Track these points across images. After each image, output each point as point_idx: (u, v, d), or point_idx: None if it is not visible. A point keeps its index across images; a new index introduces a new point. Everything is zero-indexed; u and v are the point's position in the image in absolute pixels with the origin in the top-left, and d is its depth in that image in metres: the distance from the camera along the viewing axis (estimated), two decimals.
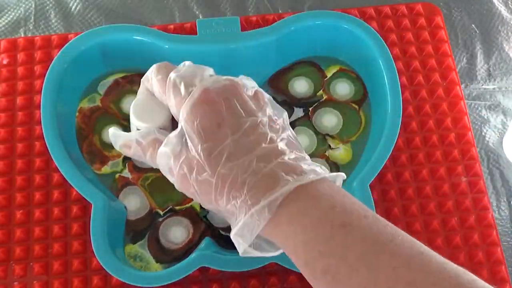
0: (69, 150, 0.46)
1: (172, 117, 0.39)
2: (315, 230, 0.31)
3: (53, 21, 0.58)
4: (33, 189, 0.48)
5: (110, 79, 0.52)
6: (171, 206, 0.48)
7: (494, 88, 0.58)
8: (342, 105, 0.52)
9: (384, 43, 0.49)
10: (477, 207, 0.49)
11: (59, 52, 0.49)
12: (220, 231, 0.47)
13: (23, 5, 0.59)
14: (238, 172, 0.32)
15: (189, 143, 0.34)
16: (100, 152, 0.49)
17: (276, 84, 0.53)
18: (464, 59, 0.59)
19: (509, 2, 0.62)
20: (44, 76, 0.48)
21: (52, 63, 0.48)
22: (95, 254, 0.43)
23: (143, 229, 0.47)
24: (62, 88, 0.48)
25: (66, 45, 0.49)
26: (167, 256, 0.46)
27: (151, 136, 0.37)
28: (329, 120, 0.51)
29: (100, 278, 0.45)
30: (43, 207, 0.47)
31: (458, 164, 0.50)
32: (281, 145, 0.34)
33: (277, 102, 0.51)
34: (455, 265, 0.29)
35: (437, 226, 0.48)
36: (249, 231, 0.32)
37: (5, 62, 0.52)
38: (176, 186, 0.36)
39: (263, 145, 0.33)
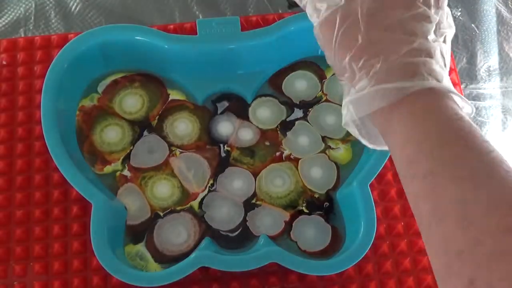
0: (69, 150, 0.46)
1: None
2: (435, 132, 0.30)
3: (53, 21, 0.58)
4: (33, 189, 0.48)
5: (110, 79, 0.52)
6: (171, 207, 0.48)
7: (494, 88, 0.58)
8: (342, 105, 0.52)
9: None
10: None
11: (59, 52, 0.49)
12: (220, 231, 0.47)
13: (23, 5, 0.59)
14: (388, 46, 0.32)
15: None
16: (100, 152, 0.49)
17: (276, 84, 0.53)
18: (464, 59, 0.59)
19: (509, 2, 0.62)
20: (44, 76, 0.48)
21: (52, 63, 0.48)
22: (95, 254, 0.43)
23: (143, 229, 0.47)
24: (62, 88, 0.48)
25: (66, 45, 0.49)
26: (167, 256, 0.46)
27: None
28: (329, 120, 0.51)
29: (100, 278, 0.45)
30: (43, 207, 0.47)
31: None
32: (436, 50, 0.33)
33: (277, 102, 0.52)
34: None
35: None
36: (366, 104, 0.32)
37: (5, 62, 0.52)
38: (316, 30, 0.35)
39: (422, 39, 0.32)
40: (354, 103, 0.32)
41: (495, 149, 0.30)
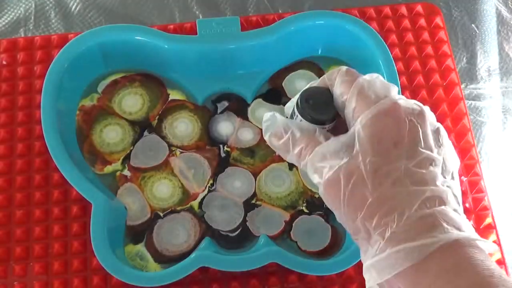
0: (69, 150, 0.46)
1: (333, 126, 0.36)
2: None
3: (53, 21, 0.58)
4: (33, 189, 0.48)
5: (110, 79, 0.52)
6: (171, 207, 0.48)
7: (494, 88, 0.58)
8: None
9: (384, 43, 0.49)
10: (477, 207, 0.49)
11: (59, 52, 0.49)
12: (220, 231, 0.47)
13: (23, 5, 0.59)
14: (400, 201, 0.30)
15: (357, 149, 0.32)
16: (100, 153, 0.49)
17: (276, 84, 0.53)
18: (464, 59, 0.59)
19: (509, 2, 0.62)
20: (44, 76, 0.48)
21: (52, 63, 0.48)
22: (95, 254, 0.43)
23: (143, 229, 0.47)
24: (62, 88, 0.48)
25: (66, 45, 0.49)
26: (167, 256, 0.46)
27: (311, 131, 0.34)
28: None
29: (100, 278, 0.45)
30: (43, 207, 0.47)
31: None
32: (448, 193, 0.32)
33: (277, 102, 0.52)
34: None
35: None
36: (389, 266, 0.30)
37: (5, 62, 0.52)
38: (320, 189, 0.33)
39: (432, 186, 0.31)
40: (376, 266, 0.31)
41: None
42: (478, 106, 0.57)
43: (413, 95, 0.52)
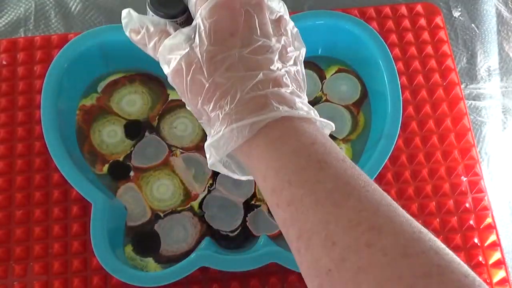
0: (69, 150, 0.46)
1: (185, 19, 0.38)
2: (290, 159, 0.31)
3: (53, 21, 0.58)
4: (33, 189, 0.48)
5: (110, 79, 0.52)
6: (171, 207, 0.48)
7: (494, 88, 0.58)
8: (341, 105, 0.52)
9: (384, 43, 0.49)
10: (477, 207, 0.49)
11: (59, 52, 0.49)
12: (220, 231, 0.47)
13: (23, 5, 0.59)
14: (233, 84, 0.32)
15: (197, 40, 0.34)
16: (100, 153, 0.49)
17: None
18: (464, 59, 0.59)
19: (509, 2, 0.62)
20: (44, 76, 0.48)
21: (52, 63, 0.48)
22: (95, 254, 0.43)
23: (143, 229, 0.47)
24: (62, 88, 0.48)
25: (66, 45, 0.49)
26: (167, 256, 0.46)
27: (162, 25, 0.36)
28: (329, 120, 0.51)
29: (100, 278, 0.45)
30: (43, 207, 0.47)
31: (458, 164, 0.50)
32: (284, 77, 0.34)
33: None
34: (420, 224, 0.29)
35: (437, 226, 0.48)
36: (224, 145, 0.32)
37: (5, 62, 0.52)
38: (169, 78, 0.36)
39: (266, 70, 0.33)
40: (214, 145, 0.33)
41: (350, 164, 0.31)
42: (478, 106, 0.57)
43: (413, 95, 0.52)
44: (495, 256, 0.48)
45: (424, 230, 0.28)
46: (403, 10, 0.56)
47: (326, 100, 0.52)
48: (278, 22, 0.36)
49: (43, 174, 0.48)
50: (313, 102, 0.52)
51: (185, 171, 0.49)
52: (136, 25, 0.38)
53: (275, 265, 0.44)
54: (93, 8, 0.59)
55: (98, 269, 0.45)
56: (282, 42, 0.35)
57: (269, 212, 0.48)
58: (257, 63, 0.33)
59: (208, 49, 0.33)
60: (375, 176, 0.46)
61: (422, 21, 0.55)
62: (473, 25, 0.60)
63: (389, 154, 0.47)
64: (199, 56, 0.33)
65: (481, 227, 0.49)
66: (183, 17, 0.37)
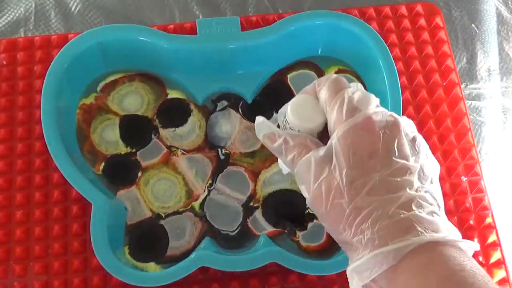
0: (69, 150, 0.46)
1: (324, 131, 0.38)
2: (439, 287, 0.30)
3: (53, 21, 0.58)
4: (33, 189, 0.48)
5: (110, 79, 0.52)
6: (172, 207, 0.48)
7: (494, 88, 0.58)
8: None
9: (384, 43, 0.49)
10: (477, 207, 0.49)
11: (59, 52, 0.49)
12: (220, 231, 0.47)
13: (23, 5, 0.59)
14: (375, 208, 0.32)
15: (334, 163, 0.33)
16: (100, 152, 0.49)
17: (276, 84, 0.53)
18: (464, 59, 0.59)
19: (509, 2, 0.62)
20: (44, 76, 0.48)
21: (52, 63, 0.48)
22: (95, 254, 0.43)
23: (143, 230, 0.47)
24: (62, 88, 0.48)
25: (66, 45, 0.49)
26: (167, 256, 0.46)
27: (302, 139, 0.36)
28: None
29: (100, 278, 0.45)
30: (43, 207, 0.47)
31: (458, 164, 0.50)
32: (424, 198, 0.33)
33: (277, 102, 0.52)
34: None
35: None
36: (368, 270, 0.32)
37: (5, 62, 0.52)
38: (308, 201, 0.35)
39: (407, 192, 0.32)
40: (357, 270, 0.32)
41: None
42: (478, 106, 0.57)
43: (413, 95, 0.52)
44: (495, 256, 0.48)
45: None
46: (403, 10, 0.56)
47: None
48: (413, 142, 0.35)
49: (43, 174, 0.48)
50: None
51: (186, 170, 0.49)
52: (272, 133, 0.37)
53: (275, 265, 0.44)
54: (93, 8, 0.59)
55: (98, 269, 0.45)
56: (419, 162, 0.34)
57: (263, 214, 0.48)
58: (397, 185, 0.32)
59: (348, 173, 0.33)
60: None
61: (422, 21, 0.55)
62: (473, 25, 0.60)
63: None
64: (339, 181, 0.33)
65: (481, 227, 0.49)
66: (321, 132, 0.37)
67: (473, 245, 0.34)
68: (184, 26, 0.54)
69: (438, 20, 0.55)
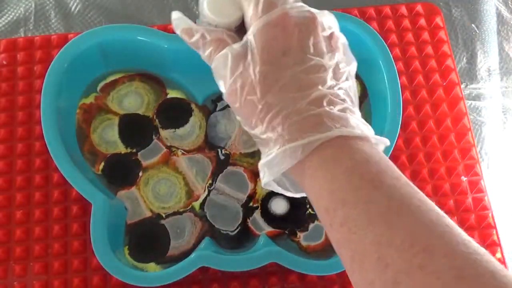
0: (69, 150, 0.46)
1: (241, 26, 0.37)
2: (343, 179, 0.30)
3: (53, 21, 0.58)
4: (33, 189, 0.48)
5: (110, 79, 0.52)
6: (172, 207, 0.48)
7: (494, 88, 0.58)
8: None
9: (384, 43, 0.49)
10: (477, 207, 0.49)
11: (59, 52, 0.49)
12: (220, 230, 0.47)
13: (23, 5, 0.59)
14: (285, 105, 0.32)
15: (249, 59, 0.33)
16: (100, 152, 0.49)
17: None
18: (464, 59, 0.59)
19: (509, 2, 0.62)
20: (44, 76, 0.48)
21: (52, 63, 0.48)
22: (95, 254, 0.43)
23: (143, 230, 0.47)
24: (62, 88, 0.48)
25: (66, 45, 0.49)
26: (167, 256, 0.46)
27: (218, 34, 0.35)
28: None
29: (100, 278, 0.45)
30: (43, 207, 0.47)
31: (458, 164, 0.50)
32: (336, 94, 0.33)
33: None
34: (477, 244, 0.28)
35: None
36: (278, 165, 0.32)
37: (5, 62, 0.52)
38: (224, 96, 0.35)
39: (319, 88, 0.32)
40: (267, 165, 0.33)
41: (405, 182, 0.30)
42: (478, 106, 0.57)
43: (413, 95, 0.52)
44: (495, 256, 0.48)
45: (482, 250, 0.27)
46: (403, 10, 0.56)
47: None
48: (330, 38, 0.35)
49: (43, 174, 0.48)
50: None
51: (187, 170, 0.49)
52: (190, 28, 0.36)
53: (275, 265, 0.44)
54: (93, 8, 0.59)
55: (98, 269, 0.45)
56: (335, 59, 0.34)
57: (262, 214, 0.48)
58: (310, 82, 0.33)
59: (261, 70, 0.33)
60: None
61: (422, 21, 0.55)
62: (473, 25, 0.60)
63: (389, 154, 0.47)
64: (253, 77, 0.33)
65: (481, 227, 0.49)
66: (238, 26, 0.36)
67: (383, 141, 0.34)
68: None
69: (438, 20, 0.55)
